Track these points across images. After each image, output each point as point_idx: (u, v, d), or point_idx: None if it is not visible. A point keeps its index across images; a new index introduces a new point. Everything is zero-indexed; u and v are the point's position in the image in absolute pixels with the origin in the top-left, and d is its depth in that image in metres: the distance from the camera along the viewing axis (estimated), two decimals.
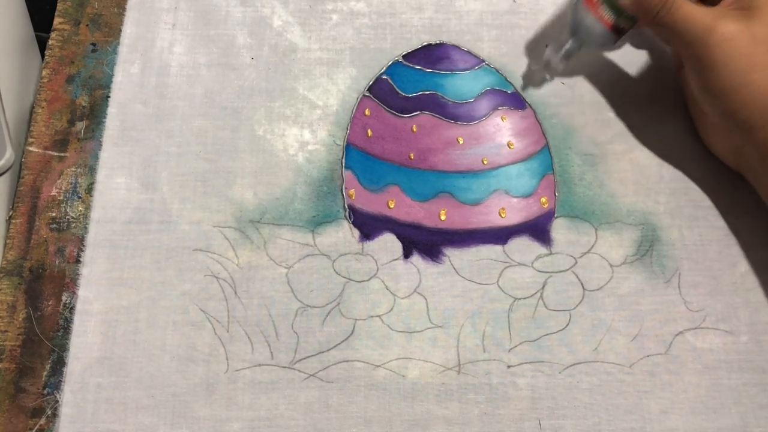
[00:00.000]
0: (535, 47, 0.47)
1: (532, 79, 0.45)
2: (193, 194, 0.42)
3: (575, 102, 0.45)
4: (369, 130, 0.44)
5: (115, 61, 0.46)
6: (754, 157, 0.40)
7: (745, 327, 0.40)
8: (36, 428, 0.37)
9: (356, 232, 0.41)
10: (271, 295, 0.40)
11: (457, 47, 0.47)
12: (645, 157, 0.44)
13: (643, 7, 0.39)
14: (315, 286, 0.40)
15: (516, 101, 0.45)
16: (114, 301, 0.39)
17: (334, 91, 0.45)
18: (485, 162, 0.43)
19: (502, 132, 0.44)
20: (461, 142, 0.44)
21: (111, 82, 0.45)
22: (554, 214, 0.42)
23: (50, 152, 0.43)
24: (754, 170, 0.41)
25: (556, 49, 0.43)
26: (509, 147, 0.44)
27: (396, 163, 0.43)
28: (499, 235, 0.42)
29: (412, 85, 0.45)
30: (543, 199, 0.43)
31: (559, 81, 0.46)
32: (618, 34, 0.41)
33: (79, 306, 0.39)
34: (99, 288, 0.40)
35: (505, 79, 0.46)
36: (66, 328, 0.39)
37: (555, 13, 0.48)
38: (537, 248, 0.41)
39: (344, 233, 0.41)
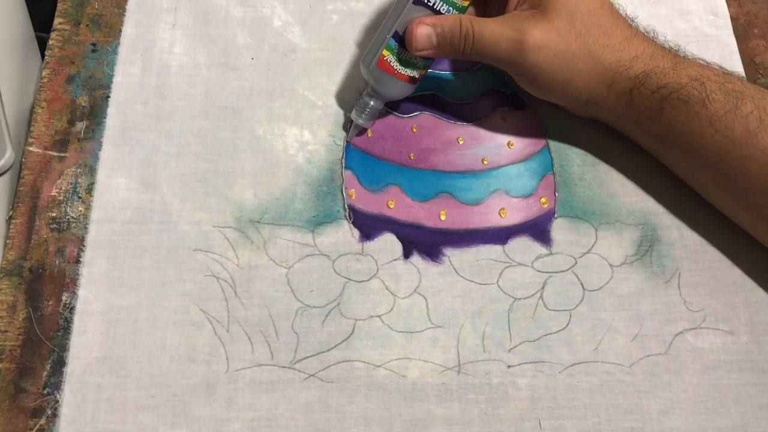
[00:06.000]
0: None
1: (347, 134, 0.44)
2: (193, 194, 0.42)
3: None
4: (369, 130, 0.44)
5: (115, 61, 0.46)
6: (607, 120, 0.43)
7: (745, 327, 0.40)
8: (36, 428, 0.37)
9: (356, 232, 0.41)
10: (271, 295, 0.40)
11: None
12: (645, 157, 0.44)
13: (448, 51, 0.40)
14: (315, 286, 0.40)
15: (516, 101, 0.45)
16: (114, 301, 0.39)
17: (334, 91, 0.45)
18: (485, 162, 0.43)
19: (502, 132, 0.44)
20: (461, 142, 0.44)
21: (111, 82, 0.45)
22: (554, 214, 0.42)
23: (50, 152, 0.43)
24: (613, 123, 0.43)
25: (360, 112, 0.42)
26: (509, 147, 0.44)
27: (396, 163, 0.43)
28: (499, 235, 0.42)
29: None
30: (543, 199, 0.43)
31: None
32: (416, 82, 0.42)
33: (79, 306, 0.39)
34: (99, 288, 0.40)
35: (505, 79, 0.46)
36: (66, 328, 0.39)
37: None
38: (537, 248, 0.41)
39: (344, 233, 0.41)
